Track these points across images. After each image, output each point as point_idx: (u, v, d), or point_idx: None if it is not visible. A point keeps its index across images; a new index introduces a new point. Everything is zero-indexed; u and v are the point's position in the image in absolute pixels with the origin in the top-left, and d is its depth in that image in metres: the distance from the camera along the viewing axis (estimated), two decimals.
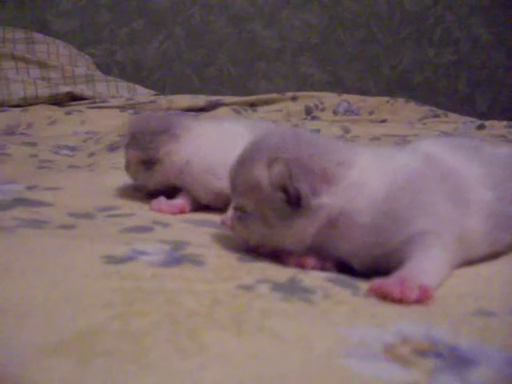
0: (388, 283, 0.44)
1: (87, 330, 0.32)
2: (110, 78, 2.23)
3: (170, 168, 0.77)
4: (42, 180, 0.85)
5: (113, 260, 0.45)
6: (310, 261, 0.52)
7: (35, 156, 1.17)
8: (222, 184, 0.74)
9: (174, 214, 0.73)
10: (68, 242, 0.49)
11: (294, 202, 0.50)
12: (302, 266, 0.51)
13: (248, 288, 0.41)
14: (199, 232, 0.62)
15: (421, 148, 0.61)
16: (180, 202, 0.76)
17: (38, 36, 2.20)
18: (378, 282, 0.45)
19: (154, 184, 0.79)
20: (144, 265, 0.44)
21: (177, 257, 0.48)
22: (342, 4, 2.77)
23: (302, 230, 0.52)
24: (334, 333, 0.35)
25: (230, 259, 0.50)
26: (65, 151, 1.23)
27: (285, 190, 0.51)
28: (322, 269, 0.52)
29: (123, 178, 0.89)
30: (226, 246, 0.56)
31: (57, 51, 2.16)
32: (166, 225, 0.64)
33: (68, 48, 2.25)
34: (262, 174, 0.52)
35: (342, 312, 0.39)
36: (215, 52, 2.66)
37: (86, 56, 2.33)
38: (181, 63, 2.63)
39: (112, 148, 1.13)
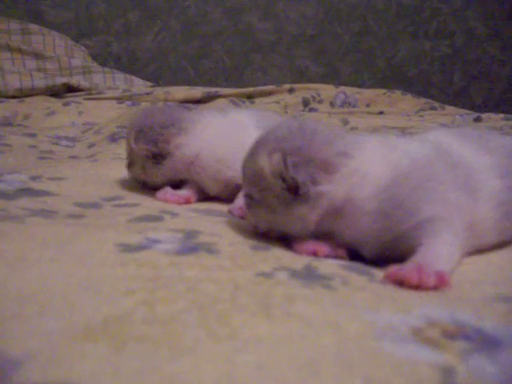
0: (405, 270, 0.44)
1: (113, 317, 0.31)
2: (106, 69, 2.21)
3: (180, 161, 0.77)
4: (44, 170, 0.84)
5: (128, 248, 0.44)
6: (324, 249, 0.52)
7: (35, 147, 1.16)
8: (232, 173, 0.74)
9: (179, 203, 0.73)
10: (80, 231, 0.49)
11: (292, 190, 0.52)
12: (315, 254, 0.52)
13: (267, 275, 0.41)
14: (208, 221, 0.61)
15: (429, 137, 0.62)
16: (186, 192, 0.76)
17: (34, 27, 2.18)
18: (394, 268, 0.45)
19: (162, 179, 0.78)
20: (160, 253, 0.44)
21: (191, 245, 0.47)
22: None
23: (304, 217, 0.53)
24: (361, 317, 0.35)
25: (244, 247, 0.49)
26: (65, 142, 1.22)
27: (283, 178, 0.52)
28: (335, 257, 0.52)
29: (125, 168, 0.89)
30: (238, 235, 0.56)
31: (53, 42, 2.14)
32: (174, 214, 0.64)
33: (64, 39, 2.23)
34: (264, 164, 0.54)
35: (364, 298, 0.39)
36: (211, 44, 2.65)
37: (82, 47, 2.32)
38: (176, 55, 2.62)
39: (113, 139, 1.12)
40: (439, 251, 0.49)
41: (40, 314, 0.31)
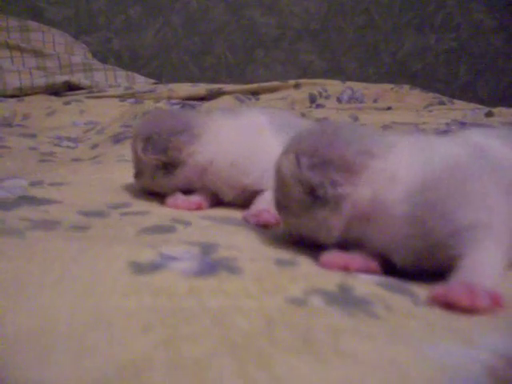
0: (454, 290, 0.39)
1: (130, 362, 0.26)
2: (108, 66, 2.16)
3: (193, 169, 0.72)
4: (45, 175, 0.80)
5: (140, 268, 0.39)
6: (355, 262, 0.47)
7: (35, 149, 1.11)
8: (248, 179, 0.69)
9: (190, 210, 0.68)
10: (85, 246, 0.44)
11: (308, 192, 0.49)
12: (346, 269, 0.47)
13: (299, 302, 0.36)
14: (224, 230, 0.57)
15: (468, 137, 0.57)
16: (197, 197, 0.71)
17: (33, 24, 2.13)
18: (441, 289, 0.40)
19: (173, 188, 0.73)
20: (177, 275, 0.39)
21: (210, 262, 0.42)
22: None
23: (327, 222, 0.49)
24: (422, 353, 0.30)
25: (268, 263, 0.44)
26: (66, 143, 1.17)
27: (299, 180, 0.50)
28: (368, 271, 0.47)
29: (131, 172, 0.84)
30: (258, 247, 0.51)
31: (53, 39, 2.09)
32: (186, 223, 0.59)
33: (64, 36, 2.18)
34: (282, 166, 0.51)
35: (417, 327, 0.34)
36: (213, 40, 2.61)
37: (83, 45, 2.27)
38: (178, 51, 2.57)
39: (117, 139, 1.07)
40: (485, 265, 0.44)
41: (42, 361, 0.26)
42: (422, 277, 0.47)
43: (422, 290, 0.42)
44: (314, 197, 0.49)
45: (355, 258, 0.48)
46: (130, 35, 2.50)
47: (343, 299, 0.37)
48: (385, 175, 0.48)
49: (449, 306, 0.38)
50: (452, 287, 0.40)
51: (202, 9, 2.57)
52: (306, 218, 0.50)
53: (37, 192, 0.69)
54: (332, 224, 0.49)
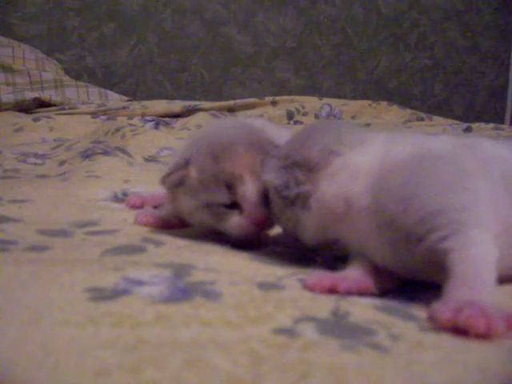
0: (466, 313, 0.34)
1: None
2: (80, 83, 2.10)
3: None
4: (6, 192, 0.73)
5: (100, 295, 0.34)
6: (343, 283, 0.42)
7: None
8: None
9: (163, 228, 0.63)
10: (39, 271, 0.38)
11: (278, 193, 0.51)
12: (333, 291, 0.42)
13: (289, 333, 0.30)
14: (201, 250, 0.51)
15: (463, 137, 0.53)
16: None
17: (3, 39, 2.06)
18: (446, 311, 0.35)
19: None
20: (142, 301, 0.33)
21: (182, 287, 0.37)
22: (318, 8, 2.71)
23: (306, 223, 0.50)
24: None
25: (249, 286, 0.39)
26: (33, 159, 1.11)
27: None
28: (359, 291, 0.42)
29: (101, 188, 0.78)
30: (238, 267, 0.45)
31: (23, 55, 2.03)
32: (159, 243, 0.53)
33: (34, 52, 2.11)
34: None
35: (433, 362, 0.28)
36: (189, 57, 2.57)
37: (54, 61, 2.21)
38: (153, 69, 2.53)
39: (86, 155, 1.01)
40: (478, 264, 0.39)
41: None
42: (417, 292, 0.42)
43: (423, 312, 0.37)
44: (283, 197, 0.50)
45: (343, 279, 0.43)
46: (104, 53, 2.45)
47: (339, 328, 0.32)
48: (348, 170, 0.48)
49: (459, 330, 0.33)
50: (460, 309, 0.35)
51: (177, 26, 2.53)
52: (284, 217, 0.52)
53: None
54: (304, 222, 0.50)
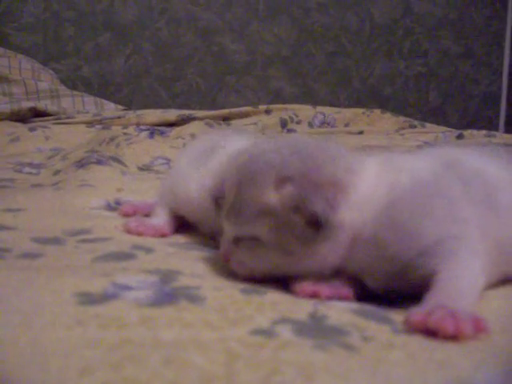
0: (435, 316, 0.36)
1: None
2: (75, 92, 2.12)
3: None
4: (1, 201, 0.75)
5: (88, 299, 0.36)
6: (325, 290, 0.44)
7: None
8: None
9: (153, 236, 0.64)
10: (31, 277, 0.40)
11: (314, 222, 0.43)
12: (315, 296, 0.43)
13: (266, 333, 0.32)
14: (189, 257, 0.53)
15: (438, 152, 0.54)
16: (161, 222, 0.67)
17: None
18: (419, 314, 0.37)
19: None
20: (128, 304, 0.35)
21: (168, 291, 0.39)
22: (312, 17, 2.74)
23: (329, 254, 0.45)
24: None
25: (232, 291, 0.41)
26: (28, 169, 1.12)
27: (300, 212, 0.44)
28: (340, 298, 0.44)
29: (94, 197, 0.80)
30: (223, 275, 0.47)
31: (19, 65, 2.05)
32: (148, 250, 0.55)
33: (31, 62, 2.13)
34: (273, 198, 0.45)
35: (398, 360, 0.30)
36: (184, 66, 2.59)
37: (50, 71, 2.22)
38: (148, 78, 2.55)
39: (81, 164, 1.03)
40: (461, 282, 0.41)
41: None
42: (398, 299, 0.43)
43: (400, 317, 0.39)
44: (316, 227, 0.43)
45: (326, 286, 0.45)
46: (100, 62, 2.47)
47: (315, 329, 0.34)
48: (365, 196, 0.46)
49: (432, 332, 0.35)
50: (431, 312, 0.37)
51: (172, 35, 2.55)
52: (306, 253, 0.45)
53: None
54: (334, 254, 0.45)
